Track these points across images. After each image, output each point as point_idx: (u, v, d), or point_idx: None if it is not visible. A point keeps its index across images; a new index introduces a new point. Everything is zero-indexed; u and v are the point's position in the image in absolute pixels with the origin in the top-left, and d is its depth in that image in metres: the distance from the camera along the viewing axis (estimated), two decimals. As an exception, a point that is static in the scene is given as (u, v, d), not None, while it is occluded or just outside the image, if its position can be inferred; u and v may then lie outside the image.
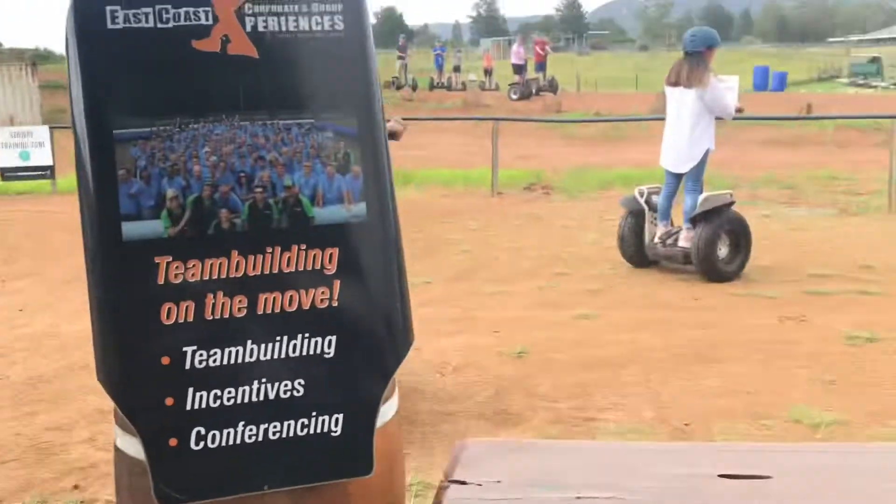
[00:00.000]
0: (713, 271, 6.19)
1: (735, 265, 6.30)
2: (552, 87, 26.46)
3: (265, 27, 1.51)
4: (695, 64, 6.19)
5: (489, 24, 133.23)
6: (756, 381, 4.15)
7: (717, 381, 4.18)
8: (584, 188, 11.85)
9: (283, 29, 1.53)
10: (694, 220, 6.24)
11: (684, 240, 6.32)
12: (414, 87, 27.99)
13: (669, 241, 6.48)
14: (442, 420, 3.76)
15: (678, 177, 6.43)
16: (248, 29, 1.48)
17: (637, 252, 6.69)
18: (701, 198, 6.23)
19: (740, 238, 6.32)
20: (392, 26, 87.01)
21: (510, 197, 11.40)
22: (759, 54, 69.97)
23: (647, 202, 6.61)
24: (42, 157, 12.02)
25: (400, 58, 29.87)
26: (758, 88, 37.76)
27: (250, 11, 1.49)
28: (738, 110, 6.47)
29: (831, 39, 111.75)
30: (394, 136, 3.67)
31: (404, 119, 4.81)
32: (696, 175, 6.28)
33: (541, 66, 26.90)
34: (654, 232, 6.57)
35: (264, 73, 1.50)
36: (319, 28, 1.56)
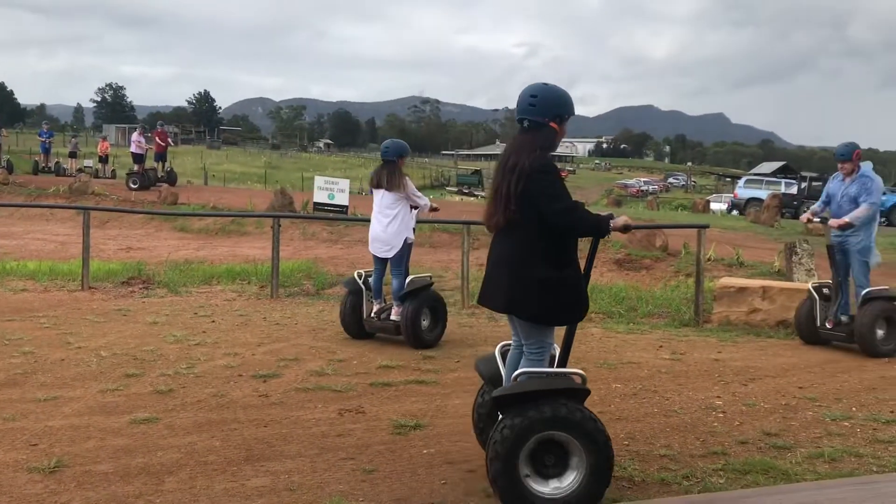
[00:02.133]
0: (418, 340, 7.32)
1: (435, 334, 7.55)
2: (170, 178, 25.71)
3: None
4: (392, 170, 7.29)
5: (115, 110, 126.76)
6: (302, 477, 4.17)
7: (265, 479, 4.13)
8: (188, 282, 11.49)
9: None
10: (402, 298, 7.35)
11: (395, 314, 7.43)
12: (10, 170, 25.31)
13: (383, 316, 7.55)
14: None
15: (384, 261, 7.48)
16: None
17: (356, 326, 7.64)
18: (408, 280, 7.43)
19: (439, 312, 7.62)
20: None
21: (103, 291, 10.62)
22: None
23: (364, 283, 7.64)
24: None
25: (-9, 138, 26.93)
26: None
27: None
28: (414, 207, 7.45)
29: (444, 152, 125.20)
30: (627, 229, 3.87)
31: None
32: (399, 260, 7.35)
33: (160, 157, 26.02)
34: (371, 308, 7.62)
35: None
36: None
